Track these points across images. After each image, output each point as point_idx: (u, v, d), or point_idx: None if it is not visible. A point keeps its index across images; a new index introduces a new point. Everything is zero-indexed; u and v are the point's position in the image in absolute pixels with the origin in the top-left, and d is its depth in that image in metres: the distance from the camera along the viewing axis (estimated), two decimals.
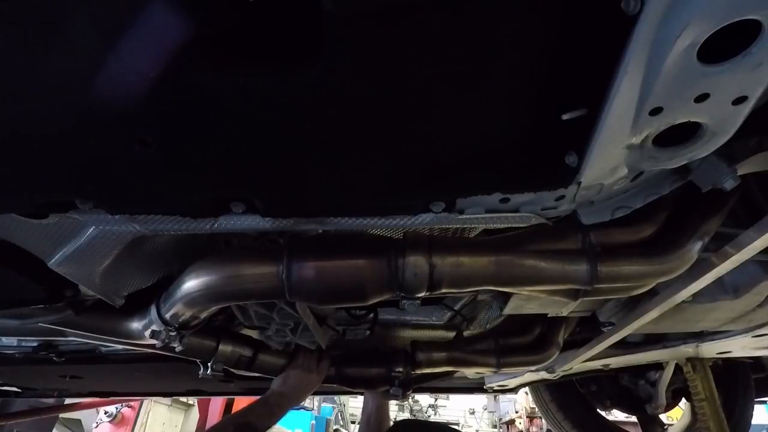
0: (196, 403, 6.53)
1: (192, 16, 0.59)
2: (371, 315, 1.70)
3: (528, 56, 0.66)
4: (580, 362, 2.04)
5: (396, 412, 14.61)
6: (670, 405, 2.80)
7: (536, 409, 4.86)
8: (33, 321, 1.18)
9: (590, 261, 1.04)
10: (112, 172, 0.80)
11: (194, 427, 6.47)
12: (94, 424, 5.72)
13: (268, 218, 0.93)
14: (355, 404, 14.15)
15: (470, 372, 2.45)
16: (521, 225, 1.00)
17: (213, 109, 0.70)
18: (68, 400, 3.37)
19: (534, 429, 11.13)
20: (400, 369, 1.78)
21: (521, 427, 11.73)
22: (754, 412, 2.89)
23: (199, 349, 1.55)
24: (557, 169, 0.83)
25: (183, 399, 6.39)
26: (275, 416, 1.59)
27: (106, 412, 5.63)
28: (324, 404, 12.53)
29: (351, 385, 1.94)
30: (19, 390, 2.67)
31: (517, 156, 0.83)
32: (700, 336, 1.90)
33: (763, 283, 1.32)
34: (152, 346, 1.41)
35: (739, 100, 0.64)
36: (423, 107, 0.72)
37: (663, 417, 3.10)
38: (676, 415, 3.30)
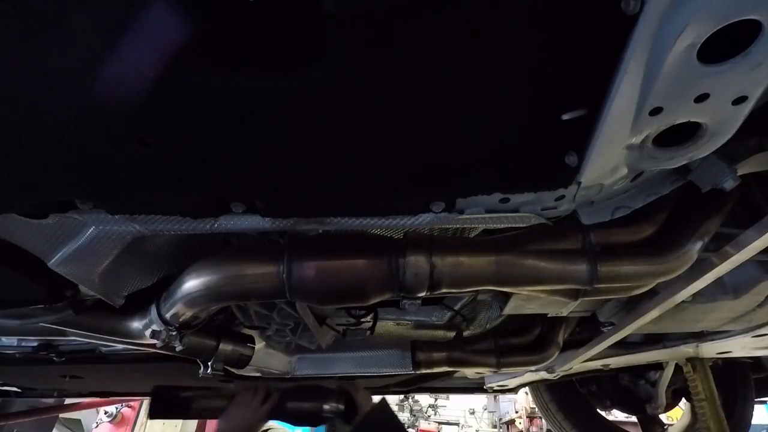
0: None
1: (192, 16, 0.59)
2: (372, 315, 1.70)
3: (528, 57, 0.66)
4: (580, 362, 2.04)
5: (396, 412, 14.58)
6: (670, 405, 2.80)
7: (536, 409, 4.86)
8: (33, 321, 1.18)
9: (590, 261, 1.04)
10: (112, 171, 0.80)
11: (194, 427, 6.46)
12: (94, 424, 5.71)
13: (268, 218, 0.93)
14: None
15: (470, 372, 2.46)
16: (521, 225, 1.00)
17: (213, 109, 0.70)
18: (68, 400, 3.38)
19: (534, 429, 11.12)
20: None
21: (521, 427, 11.71)
22: (754, 412, 2.89)
23: (200, 349, 1.55)
24: (557, 169, 0.83)
25: None
26: None
27: (106, 412, 5.63)
28: None
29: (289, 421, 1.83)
30: (19, 390, 2.68)
31: (517, 156, 0.83)
32: (700, 336, 1.90)
33: (763, 283, 1.32)
34: (152, 346, 1.41)
35: (739, 100, 0.64)
36: (423, 107, 0.72)
37: (663, 417, 3.11)
38: (676, 415, 3.31)
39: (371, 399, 1.66)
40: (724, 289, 1.39)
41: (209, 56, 0.64)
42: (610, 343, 1.73)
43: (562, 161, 0.81)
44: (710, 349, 2.04)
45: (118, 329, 1.31)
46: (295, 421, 1.77)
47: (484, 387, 2.89)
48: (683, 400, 2.90)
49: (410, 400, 14.81)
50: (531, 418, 11.11)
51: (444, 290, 1.05)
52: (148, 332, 1.23)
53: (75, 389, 2.61)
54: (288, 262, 1.02)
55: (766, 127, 0.86)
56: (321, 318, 1.64)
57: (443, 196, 0.91)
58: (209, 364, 1.60)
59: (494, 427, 14.41)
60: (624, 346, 2.00)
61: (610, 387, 3.02)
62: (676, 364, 2.34)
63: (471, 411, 15.15)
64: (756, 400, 2.96)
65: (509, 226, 1.00)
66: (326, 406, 1.61)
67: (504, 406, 13.49)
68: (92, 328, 1.30)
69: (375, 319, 1.71)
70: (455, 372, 2.22)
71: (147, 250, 1.10)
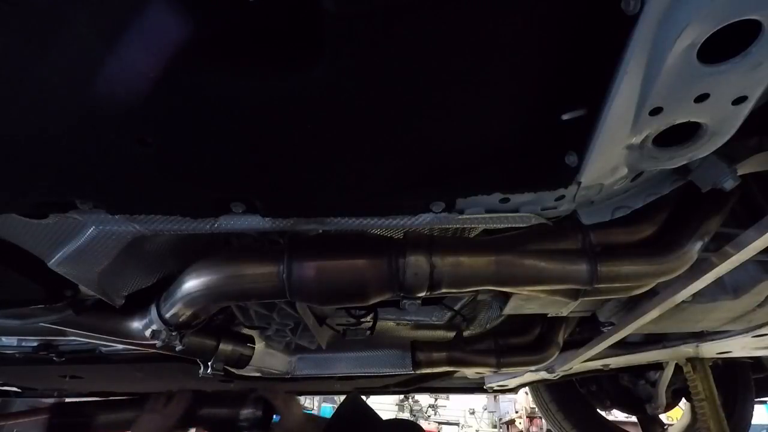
0: None
1: (193, 16, 0.59)
2: (372, 315, 1.70)
3: (528, 56, 0.66)
4: (580, 362, 2.04)
5: (396, 412, 14.60)
6: (670, 405, 2.80)
7: (536, 409, 4.86)
8: (33, 321, 1.18)
9: (590, 261, 1.04)
10: (112, 171, 0.80)
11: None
12: None
13: (268, 218, 0.93)
14: None
15: (470, 372, 2.45)
16: (521, 225, 1.00)
17: (213, 109, 0.70)
18: (68, 400, 3.37)
19: (534, 429, 11.13)
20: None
21: (521, 427, 11.72)
22: (754, 412, 2.90)
23: (200, 349, 1.55)
24: (557, 169, 0.83)
25: None
26: None
27: None
28: (324, 404, 12.54)
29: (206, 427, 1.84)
30: (19, 390, 2.67)
31: (517, 156, 0.83)
32: (700, 336, 1.90)
33: (763, 283, 1.33)
34: (152, 346, 1.41)
35: (739, 100, 0.64)
36: (423, 107, 0.72)
37: (663, 417, 3.11)
38: (676, 415, 3.31)
39: (295, 403, 1.64)
40: (724, 289, 1.39)
41: (209, 56, 0.64)
42: (610, 343, 1.73)
43: (562, 161, 0.81)
44: (710, 349, 2.04)
45: (118, 329, 1.31)
46: (212, 429, 1.74)
47: (484, 387, 2.89)
48: (683, 400, 2.90)
49: (410, 400, 14.82)
50: (531, 418, 11.12)
51: (444, 290, 1.05)
52: (148, 332, 1.23)
53: (75, 389, 2.60)
54: (288, 262, 1.02)
55: (766, 127, 0.86)
56: (321, 318, 1.64)
57: (443, 196, 0.91)
58: (209, 364, 1.60)
59: (494, 427, 14.42)
60: (624, 346, 2.00)
61: (610, 387, 3.02)
62: (676, 364, 2.34)
63: (471, 411, 15.16)
64: (756, 400, 2.97)
65: (509, 226, 1.00)
66: (243, 413, 1.59)
67: (504, 406, 13.51)
68: (92, 328, 1.30)
69: (375, 319, 1.71)
70: (455, 372, 2.22)
71: (147, 250, 1.10)
